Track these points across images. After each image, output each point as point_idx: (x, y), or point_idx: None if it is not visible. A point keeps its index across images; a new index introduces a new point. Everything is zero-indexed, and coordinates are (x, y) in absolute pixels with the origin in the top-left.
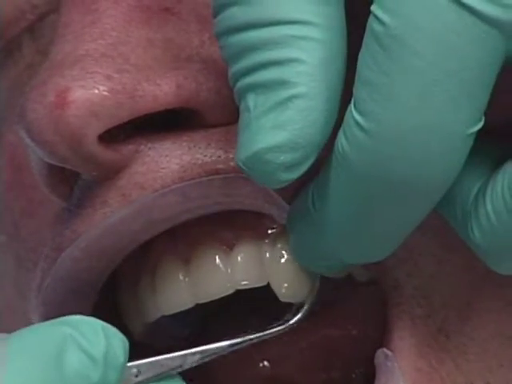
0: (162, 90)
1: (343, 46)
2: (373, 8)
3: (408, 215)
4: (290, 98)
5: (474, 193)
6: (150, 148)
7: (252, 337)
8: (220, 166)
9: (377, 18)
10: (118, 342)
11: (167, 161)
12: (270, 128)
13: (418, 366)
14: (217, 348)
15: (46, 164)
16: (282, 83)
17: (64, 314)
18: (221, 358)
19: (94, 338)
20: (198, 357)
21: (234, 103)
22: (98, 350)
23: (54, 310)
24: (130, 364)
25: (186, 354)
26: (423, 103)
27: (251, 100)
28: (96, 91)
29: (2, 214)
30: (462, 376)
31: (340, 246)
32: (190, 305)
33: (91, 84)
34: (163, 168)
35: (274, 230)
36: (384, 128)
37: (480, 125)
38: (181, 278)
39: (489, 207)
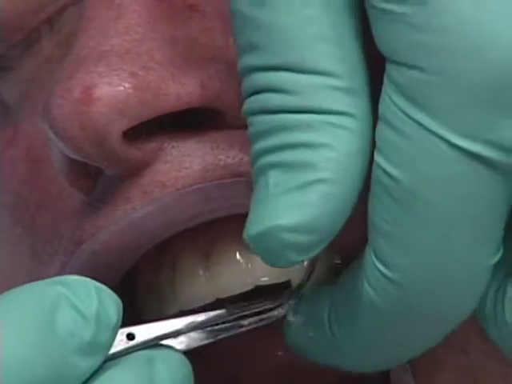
0: (186, 89)
1: (371, 137)
2: (377, 159)
3: (434, 337)
4: (314, 182)
5: (492, 294)
6: (172, 147)
7: (251, 306)
8: (243, 169)
9: (384, 170)
10: (111, 302)
11: (189, 161)
12: (289, 207)
13: (435, 381)
14: (215, 316)
15: (67, 159)
16: (309, 166)
17: None
18: (237, 347)
19: (86, 298)
20: (195, 324)
21: None
22: (90, 309)
23: None
24: (124, 329)
25: (182, 321)
26: (444, 249)
27: (272, 177)
28: (121, 88)
29: (17, 207)
30: None
31: (352, 364)
32: (209, 299)
33: (116, 81)
34: (185, 168)
35: None
36: (411, 278)
37: (499, 255)
38: (201, 272)
39: (508, 316)
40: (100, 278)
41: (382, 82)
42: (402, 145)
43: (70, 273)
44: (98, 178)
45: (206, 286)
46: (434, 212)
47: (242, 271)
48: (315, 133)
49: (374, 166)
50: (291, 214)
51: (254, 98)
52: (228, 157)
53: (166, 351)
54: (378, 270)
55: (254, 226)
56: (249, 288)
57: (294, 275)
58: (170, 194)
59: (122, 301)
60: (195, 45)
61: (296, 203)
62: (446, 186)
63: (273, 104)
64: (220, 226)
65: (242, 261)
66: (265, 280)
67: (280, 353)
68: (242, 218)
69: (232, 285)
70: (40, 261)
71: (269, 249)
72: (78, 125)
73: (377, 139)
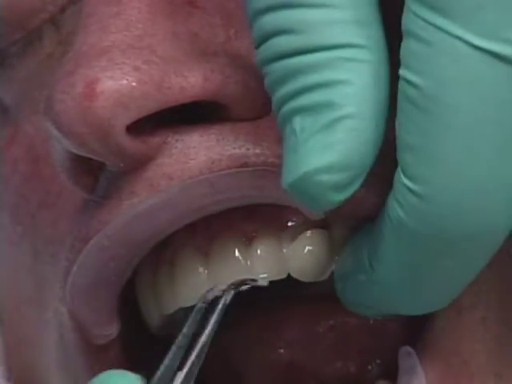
0: (189, 82)
1: (387, 66)
2: (402, 72)
3: (470, 265)
4: (338, 119)
5: None
6: (177, 140)
7: None
8: (249, 159)
9: (408, 81)
10: None
11: (195, 152)
12: (319, 149)
13: (448, 361)
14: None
15: (69, 156)
16: (330, 105)
17: (89, 305)
18: (239, 344)
19: None
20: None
21: (262, 97)
22: None
23: (81, 299)
24: None
25: None
26: (470, 157)
27: (298, 123)
28: (124, 82)
29: (18, 206)
30: (492, 368)
31: (398, 302)
32: (209, 297)
33: (119, 75)
34: (192, 159)
35: (293, 223)
36: (437, 190)
37: None
38: (200, 269)
39: None
40: (109, 274)
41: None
42: (424, 51)
43: (79, 270)
44: (100, 175)
45: (204, 282)
46: (458, 117)
47: (241, 268)
48: (331, 70)
49: (399, 82)
50: (322, 156)
51: (264, 45)
52: (234, 147)
53: None
54: (405, 185)
55: (289, 175)
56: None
57: (293, 271)
58: (176, 186)
59: (122, 300)
60: (196, 40)
61: (325, 144)
62: (468, 89)
63: (284, 47)
64: (219, 222)
65: (240, 258)
66: (264, 277)
67: (281, 350)
68: (241, 214)
69: (231, 282)
70: (42, 260)
71: (308, 193)
72: (82, 120)
73: (401, 54)
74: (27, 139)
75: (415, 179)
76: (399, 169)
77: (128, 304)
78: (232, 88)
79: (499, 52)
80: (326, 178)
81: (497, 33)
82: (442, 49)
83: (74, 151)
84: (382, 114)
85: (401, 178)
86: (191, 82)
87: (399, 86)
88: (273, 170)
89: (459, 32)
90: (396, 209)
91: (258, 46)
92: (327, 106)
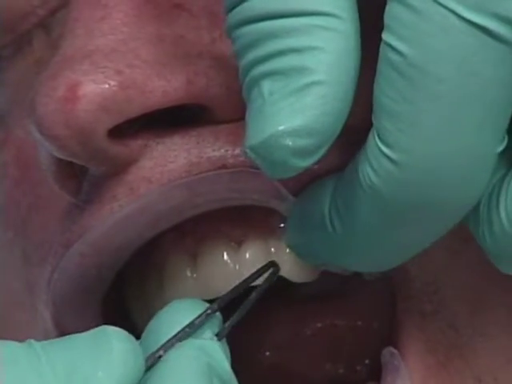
0: (172, 85)
1: (359, 38)
2: (385, 37)
3: (435, 231)
4: (309, 85)
5: (486, 196)
6: (158, 143)
7: None
8: (228, 161)
9: (392, 46)
10: None
11: (175, 155)
12: (288, 112)
13: (426, 363)
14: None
15: (55, 159)
16: (301, 70)
17: (73, 310)
18: None
19: None
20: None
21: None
22: None
23: (63, 305)
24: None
25: None
26: (450, 129)
27: (266, 87)
28: (106, 86)
29: (8, 210)
30: (471, 372)
31: (350, 261)
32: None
33: (102, 78)
34: (171, 162)
35: (282, 227)
36: (414, 158)
37: (504, 144)
38: (188, 274)
39: (503, 215)
40: (91, 280)
41: None
42: (412, 20)
43: (60, 276)
44: (84, 179)
45: (193, 286)
46: (441, 87)
47: (230, 272)
48: (303, 36)
49: (381, 46)
50: (290, 119)
51: (237, 9)
52: (214, 149)
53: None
54: (381, 151)
55: (254, 136)
56: None
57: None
58: (155, 190)
59: (112, 303)
60: (181, 42)
61: (293, 108)
62: (454, 60)
63: (258, 10)
64: (208, 226)
65: (229, 262)
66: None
67: (268, 353)
68: (229, 218)
69: (219, 286)
70: (31, 264)
71: (272, 157)
72: (63, 123)
73: (386, 19)
74: (17, 143)
75: (393, 146)
76: (374, 134)
77: (117, 306)
78: (216, 91)
79: (487, 26)
80: (291, 142)
81: (485, 6)
82: (432, 18)
83: (56, 154)
84: (353, 84)
85: (377, 144)
86: (174, 85)
87: (381, 50)
88: (252, 170)
89: (450, 3)
90: (369, 175)
91: (230, 10)
92: (299, 70)
